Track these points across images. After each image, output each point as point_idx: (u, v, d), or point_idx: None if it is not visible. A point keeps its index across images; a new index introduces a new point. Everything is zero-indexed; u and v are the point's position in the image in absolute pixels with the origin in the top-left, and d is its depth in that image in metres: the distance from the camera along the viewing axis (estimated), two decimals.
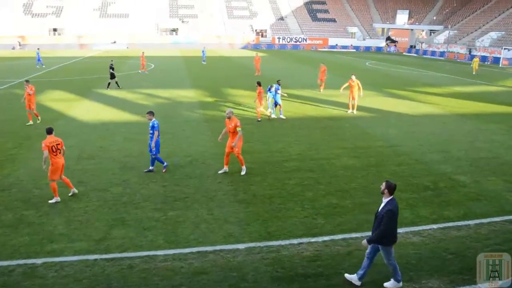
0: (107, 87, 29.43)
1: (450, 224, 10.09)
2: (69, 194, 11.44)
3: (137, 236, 9.37)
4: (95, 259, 8.40)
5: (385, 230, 7.23)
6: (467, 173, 13.78)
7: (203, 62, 49.94)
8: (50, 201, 11.01)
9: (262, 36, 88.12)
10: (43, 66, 43.72)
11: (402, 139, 18.02)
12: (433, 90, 32.57)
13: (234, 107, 23.11)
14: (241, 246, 9.03)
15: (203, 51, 51.56)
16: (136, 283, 7.69)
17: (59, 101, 25.20)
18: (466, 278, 7.85)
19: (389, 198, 7.40)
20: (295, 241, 9.27)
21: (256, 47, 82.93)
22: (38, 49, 47.35)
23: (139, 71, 39.61)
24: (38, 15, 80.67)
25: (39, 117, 19.66)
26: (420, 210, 10.92)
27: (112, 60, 31.58)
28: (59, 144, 11.03)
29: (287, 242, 9.23)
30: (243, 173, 13.40)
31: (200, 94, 28.36)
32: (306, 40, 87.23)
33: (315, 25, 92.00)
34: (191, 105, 24.55)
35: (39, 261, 8.30)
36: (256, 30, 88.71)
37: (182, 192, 11.79)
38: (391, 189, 7.36)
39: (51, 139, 10.94)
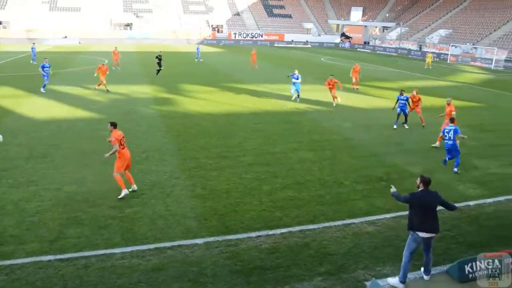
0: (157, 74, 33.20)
1: (402, 213, 10.40)
2: (130, 190, 11.20)
3: (93, 234, 9.16)
4: (49, 260, 8.15)
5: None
6: (418, 165, 14.31)
7: (200, 59, 48.61)
8: (119, 197, 10.82)
9: (218, 31, 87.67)
10: (34, 63, 40.33)
11: (356, 132, 18.46)
12: (386, 84, 33.51)
13: (190, 102, 22.84)
14: (199, 241, 9.02)
15: (197, 48, 50.55)
16: (93, 282, 7.54)
17: (6, 97, 24.06)
18: (416, 263, 8.16)
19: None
20: (253, 234, 9.36)
21: (211, 42, 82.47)
22: (33, 43, 44.51)
23: (113, 68, 37.95)
24: None
25: None
26: (375, 201, 11.27)
27: (160, 52, 35.98)
28: (123, 137, 11.09)
29: (245, 235, 9.30)
30: None
31: (155, 90, 27.91)
32: (262, 35, 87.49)
33: (271, 20, 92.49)
34: (146, 101, 24.16)
35: None
36: (212, 26, 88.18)
37: (139, 189, 11.58)
38: (425, 182, 7.50)
39: (118, 132, 10.98)
